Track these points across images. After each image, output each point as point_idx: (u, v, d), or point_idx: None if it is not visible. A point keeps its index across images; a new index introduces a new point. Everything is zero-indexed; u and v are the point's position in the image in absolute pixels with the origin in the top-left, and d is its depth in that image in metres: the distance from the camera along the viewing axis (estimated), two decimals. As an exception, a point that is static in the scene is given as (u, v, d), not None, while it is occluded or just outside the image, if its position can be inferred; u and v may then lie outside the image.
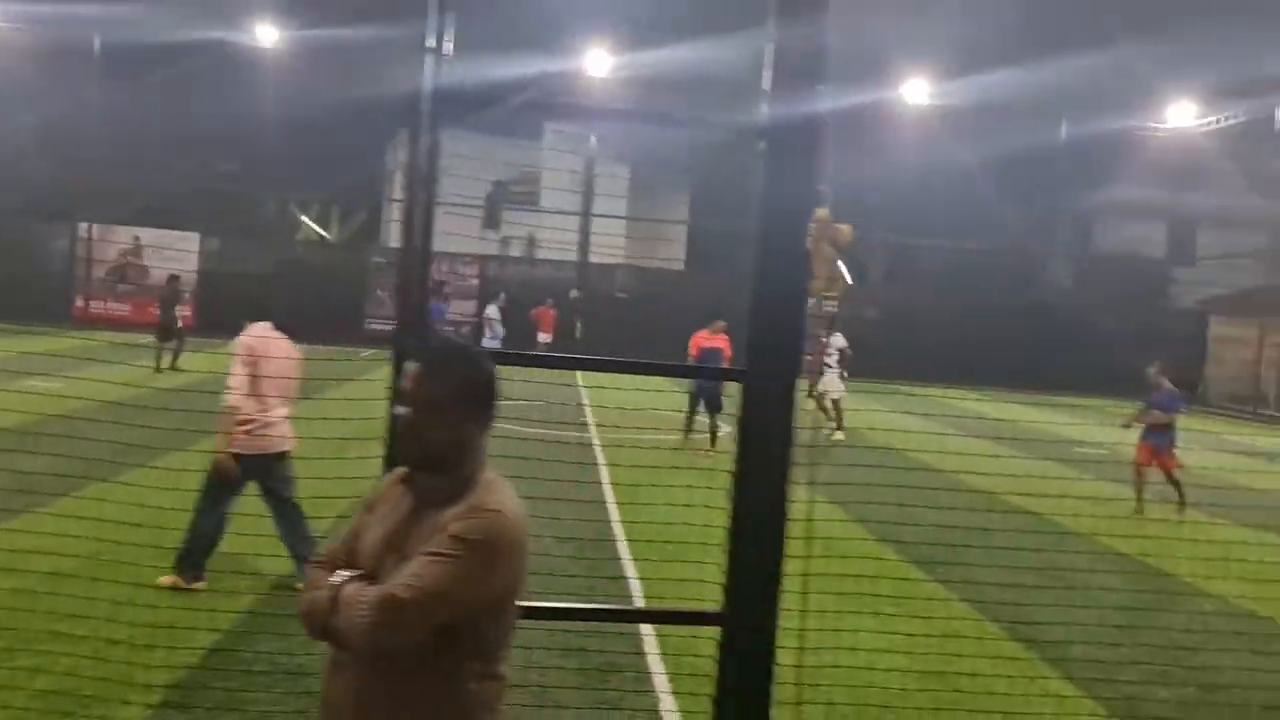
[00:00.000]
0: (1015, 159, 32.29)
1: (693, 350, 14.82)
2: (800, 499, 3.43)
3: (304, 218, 33.76)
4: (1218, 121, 32.35)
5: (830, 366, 17.05)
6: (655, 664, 5.73)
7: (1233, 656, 6.92)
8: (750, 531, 3.20)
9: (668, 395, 18.34)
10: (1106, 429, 17.84)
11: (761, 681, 3.19)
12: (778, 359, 3.21)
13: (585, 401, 20.09)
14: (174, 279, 22.48)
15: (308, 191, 32.71)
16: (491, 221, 34.56)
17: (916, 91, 32.68)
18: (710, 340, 14.56)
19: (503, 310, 21.43)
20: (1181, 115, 33.15)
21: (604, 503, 10.45)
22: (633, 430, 15.25)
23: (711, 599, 3.29)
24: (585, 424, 16.26)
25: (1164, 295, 36.03)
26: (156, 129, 29.07)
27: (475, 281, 32.13)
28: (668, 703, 5.21)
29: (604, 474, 12.06)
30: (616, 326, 29.72)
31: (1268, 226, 34.81)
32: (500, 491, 2.28)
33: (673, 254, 37.39)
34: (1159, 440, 12.02)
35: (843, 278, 3.59)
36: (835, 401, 17.01)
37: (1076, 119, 33.19)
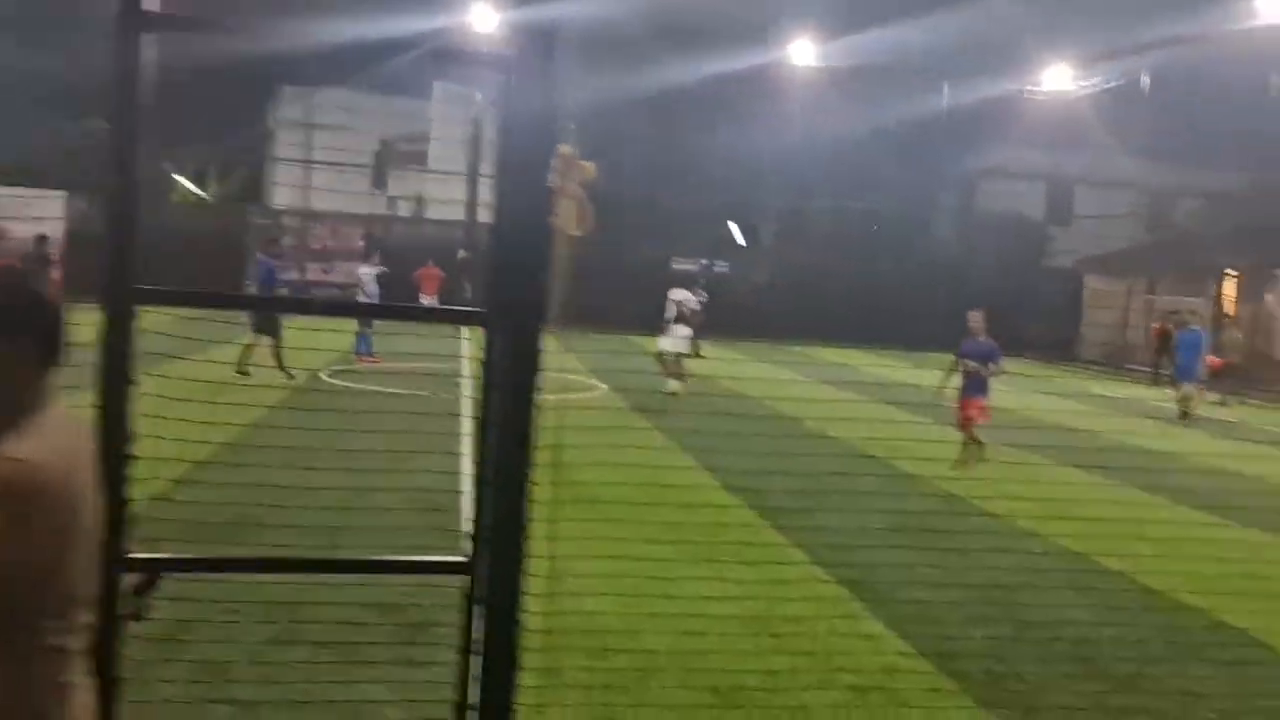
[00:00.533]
0: (900, 121, 32.83)
1: None
2: (548, 444, 3.39)
3: (178, 177, 32.53)
4: (1092, 85, 33.31)
5: (668, 321, 17.34)
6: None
7: (1052, 595, 7.19)
8: (495, 479, 3.15)
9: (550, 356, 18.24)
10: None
11: (508, 630, 3.16)
12: (520, 300, 3.15)
13: (465, 357, 19.92)
14: (42, 239, 21.51)
15: (183, 149, 31.48)
16: (379, 181, 33.86)
17: (803, 53, 32.85)
18: None
19: (380, 270, 20.97)
20: (1058, 79, 34.01)
21: (459, 454, 10.35)
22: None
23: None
24: (459, 382, 16.09)
25: (1043, 254, 37.14)
26: (13, 81, 27.61)
27: (361, 243, 31.48)
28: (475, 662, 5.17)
29: (467, 428, 11.98)
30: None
31: (1139, 187, 36.10)
32: (44, 437, 1.98)
33: (566, 214, 37.15)
34: (971, 392, 11.79)
35: (590, 216, 3.54)
36: (675, 357, 17.27)
37: (958, 83, 33.82)
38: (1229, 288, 30.82)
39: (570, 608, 5.64)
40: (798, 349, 29.14)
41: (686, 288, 18.48)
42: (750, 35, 31.27)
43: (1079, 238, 35.85)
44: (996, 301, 29.95)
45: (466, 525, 8.12)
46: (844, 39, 31.12)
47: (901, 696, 5.19)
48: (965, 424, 11.75)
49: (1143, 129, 30.92)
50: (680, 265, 34.25)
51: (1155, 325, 27.36)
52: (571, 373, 18.20)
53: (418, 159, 33.89)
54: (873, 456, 11.50)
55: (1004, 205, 37.03)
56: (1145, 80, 30.96)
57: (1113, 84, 32.26)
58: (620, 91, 30.64)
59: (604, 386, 17.38)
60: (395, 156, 34.07)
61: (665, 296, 17.82)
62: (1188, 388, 19.23)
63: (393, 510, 7.55)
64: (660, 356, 17.22)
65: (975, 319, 11.95)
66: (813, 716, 4.91)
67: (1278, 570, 7.78)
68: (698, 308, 17.64)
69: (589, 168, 3.43)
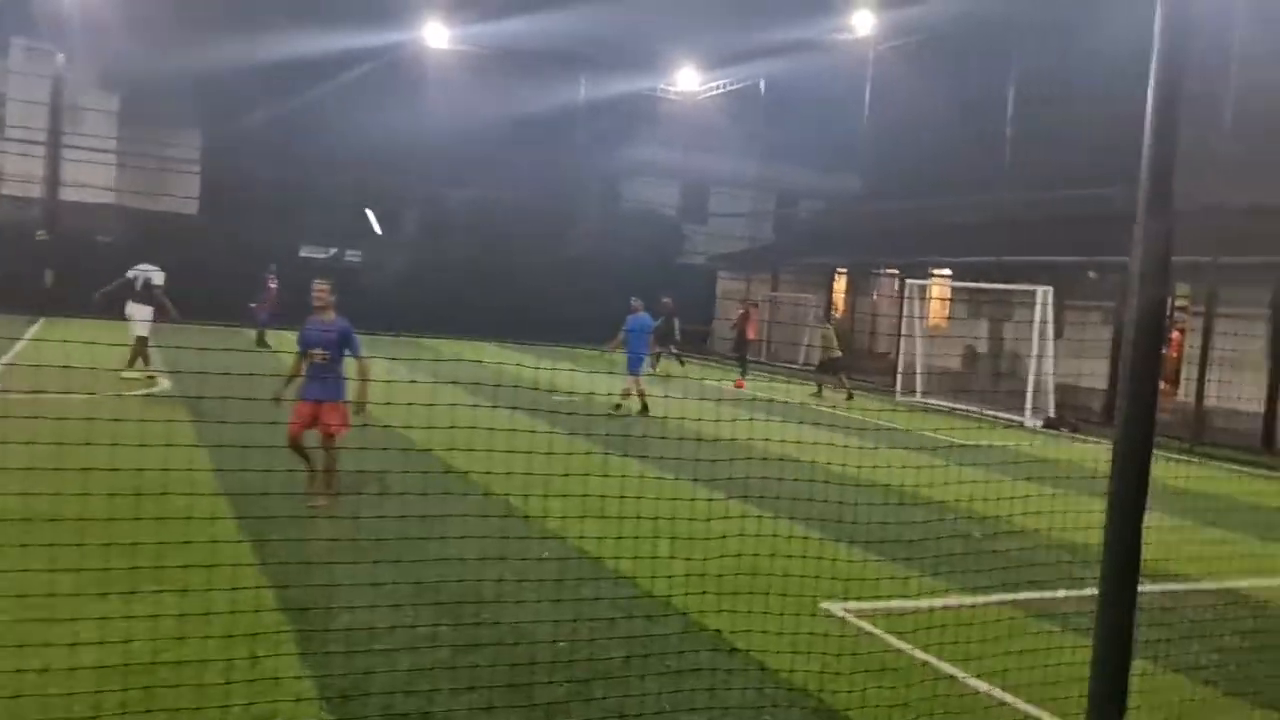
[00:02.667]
0: (540, 113, 32.54)
1: None
2: None
3: None
4: (715, 87, 34.59)
5: (136, 302, 16.11)
6: None
7: (530, 606, 6.48)
8: None
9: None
10: (596, 377, 18.06)
11: None
12: None
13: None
14: None
15: None
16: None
17: (437, 35, 31.75)
18: None
19: None
20: (687, 80, 35.04)
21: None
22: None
23: None
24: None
25: (679, 251, 38.23)
26: None
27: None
28: None
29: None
30: (102, 274, 26.12)
31: (764, 187, 38.00)
32: None
33: (185, 194, 33.84)
34: (321, 391, 8.66)
35: None
36: (140, 339, 15.98)
37: (596, 79, 34.02)
38: (840, 284, 33.06)
39: None
40: (428, 343, 28.00)
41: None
42: (380, 12, 29.76)
43: (713, 236, 37.20)
44: (635, 296, 30.37)
45: None
46: (478, 25, 30.37)
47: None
48: (296, 433, 8.54)
49: (762, 131, 32.42)
50: (309, 253, 32.21)
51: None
52: (133, 368, 16.12)
53: (-8, 125, 29.50)
54: (429, 450, 10.53)
55: (643, 201, 37.77)
56: (761, 84, 32.48)
57: (732, 87, 33.62)
58: (242, 63, 28.19)
59: (167, 381, 15.45)
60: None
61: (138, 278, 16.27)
62: (630, 380, 16.17)
63: None
64: (141, 342, 15.97)
65: (319, 289, 8.81)
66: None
67: (781, 565, 7.54)
68: (159, 283, 16.20)
69: None
